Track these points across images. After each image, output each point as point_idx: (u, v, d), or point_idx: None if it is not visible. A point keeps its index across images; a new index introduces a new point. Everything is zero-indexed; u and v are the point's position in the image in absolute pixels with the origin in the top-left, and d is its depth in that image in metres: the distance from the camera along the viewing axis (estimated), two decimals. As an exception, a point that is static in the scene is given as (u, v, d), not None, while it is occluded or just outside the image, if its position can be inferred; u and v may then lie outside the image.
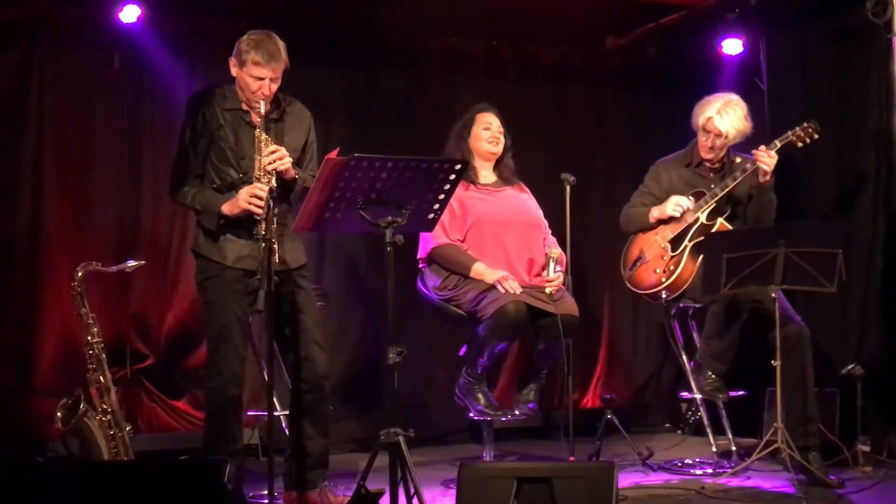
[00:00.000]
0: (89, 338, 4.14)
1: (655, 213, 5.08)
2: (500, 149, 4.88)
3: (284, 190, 4.06)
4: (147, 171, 5.43)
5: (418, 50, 6.07)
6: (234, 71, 4.05)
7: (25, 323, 5.16)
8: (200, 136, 4.05)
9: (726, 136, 4.96)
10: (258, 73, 3.97)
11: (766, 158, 4.79)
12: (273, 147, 3.94)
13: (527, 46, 6.31)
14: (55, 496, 3.07)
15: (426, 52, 6.09)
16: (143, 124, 5.45)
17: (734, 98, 5.02)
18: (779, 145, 4.87)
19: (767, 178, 4.84)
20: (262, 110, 3.93)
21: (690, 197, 5.02)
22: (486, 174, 4.90)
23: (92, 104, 5.35)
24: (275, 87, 4.02)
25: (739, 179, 4.91)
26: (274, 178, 3.90)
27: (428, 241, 4.72)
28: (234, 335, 4.04)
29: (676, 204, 4.99)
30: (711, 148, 4.99)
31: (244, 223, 3.99)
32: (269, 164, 3.90)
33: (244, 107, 4.06)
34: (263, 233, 3.72)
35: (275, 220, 3.81)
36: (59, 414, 4.06)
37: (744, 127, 4.98)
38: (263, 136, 3.93)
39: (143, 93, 5.45)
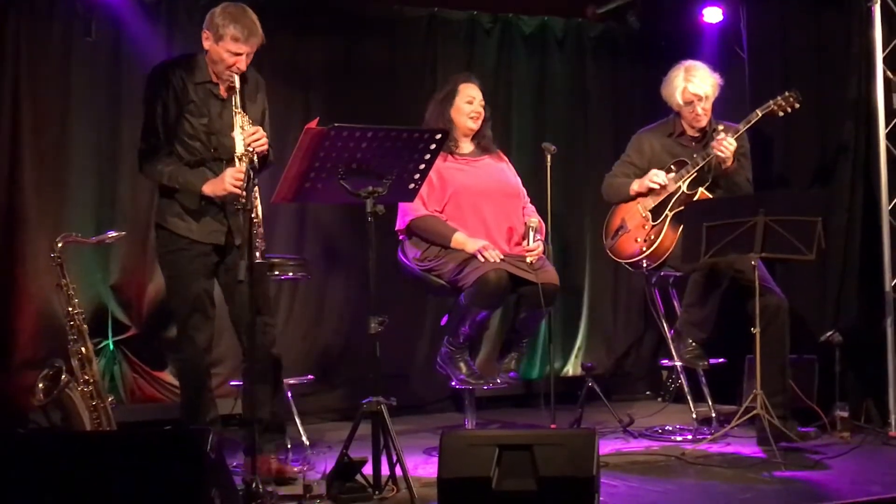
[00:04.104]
0: (70, 309, 4.12)
1: (635, 186, 5.09)
2: (479, 125, 4.87)
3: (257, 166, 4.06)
4: (125, 143, 5.37)
5: (398, 18, 6.03)
6: (207, 44, 4.01)
7: (4, 295, 5.13)
8: (170, 112, 4.02)
9: (707, 97, 4.99)
10: (236, 49, 3.94)
11: (723, 146, 4.79)
12: (253, 129, 3.92)
13: (507, 15, 6.29)
14: (37, 467, 3.07)
15: (406, 21, 6.05)
16: (120, 95, 5.39)
17: (687, 62, 5.07)
18: (760, 114, 4.88)
19: (729, 163, 4.85)
20: (237, 85, 3.91)
21: (672, 167, 5.03)
22: (465, 144, 4.89)
23: (68, 75, 5.29)
24: (248, 61, 4.00)
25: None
26: (254, 156, 3.90)
27: (407, 213, 4.71)
28: (203, 306, 4.06)
29: (652, 178, 5.00)
30: (701, 114, 5.00)
31: (215, 199, 3.98)
32: (249, 144, 3.87)
33: (214, 79, 4.04)
34: (243, 202, 3.72)
35: (256, 191, 3.82)
36: (40, 385, 4.05)
37: (714, 79, 5.02)
38: (242, 115, 3.91)
39: (119, 63, 5.39)
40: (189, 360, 4.10)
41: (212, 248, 4.06)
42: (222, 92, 3.97)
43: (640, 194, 5.09)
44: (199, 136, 4.01)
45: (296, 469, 4.18)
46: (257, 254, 4.00)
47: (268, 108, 4.24)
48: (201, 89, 4.03)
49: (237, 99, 3.91)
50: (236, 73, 3.92)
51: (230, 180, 3.89)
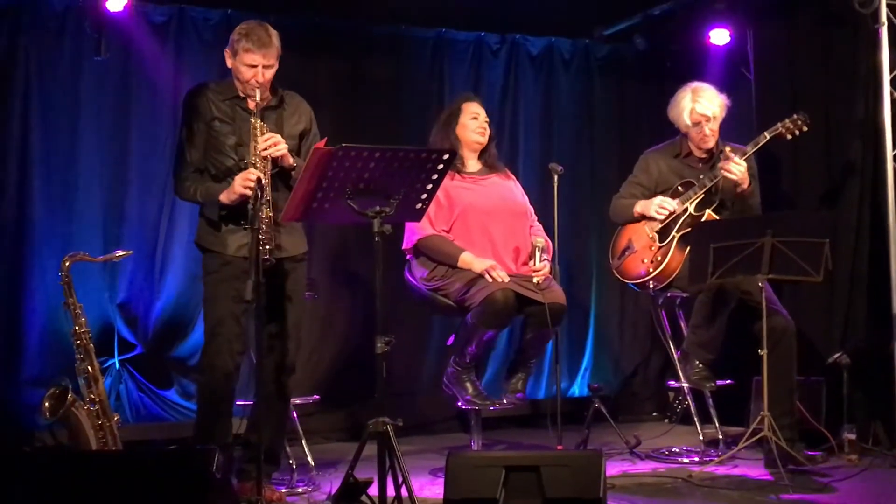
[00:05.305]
0: (77, 327, 4.12)
1: (639, 208, 5.10)
2: (486, 139, 4.89)
3: (284, 178, 4.07)
4: (134, 160, 5.41)
5: (405, 38, 6.06)
6: (229, 63, 4.08)
7: (11, 313, 5.14)
8: (196, 131, 4.07)
9: (715, 117, 5.00)
10: (250, 61, 3.99)
11: (731, 167, 4.80)
12: (269, 134, 3.95)
13: (514, 36, 6.30)
14: (43, 486, 3.06)
15: (413, 41, 6.08)
16: (130, 113, 5.42)
17: (694, 83, 5.09)
18: (768, 137, 4.88)
19: (744, 186, 4.85)
20: (259, 98, 3.94)
21: (679, 188, 5.03)
22: (472, 163, 4.90)
23: (78, 93, 5.32)
24: (269, 74, 4.03)
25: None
26: (270, 165, 3.92)
27: (414, 233, 4.71)
28: (227, 331, 4.03)
29: (660, 206, 5.01)
30: (709, 135, 5.00)
31: (245, 213, 3.98)
32: (264, 150, 3.91)
33: (241, 94, 4.08)
34: (252, 223, 3.72)
35: (265, 209, 3.82)
36: (46, 404, 4.05)
37: (722, 100, 5.04)
38: (259, 123, 3.94)
39: (129, 82, 5.42)
40: (206, 383, 4.10)
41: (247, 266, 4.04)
42: (250, 105, 4.00)
43: (644, 217, 5.10)
44: (225, 149, 4.05)
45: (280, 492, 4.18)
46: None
47: (317, 136, 4.22)
48: (227, 104, 4.08)
49: (258, 110, 3.96)
50: (256, 87, 3.96)
51: (240, 182, 3.91)
